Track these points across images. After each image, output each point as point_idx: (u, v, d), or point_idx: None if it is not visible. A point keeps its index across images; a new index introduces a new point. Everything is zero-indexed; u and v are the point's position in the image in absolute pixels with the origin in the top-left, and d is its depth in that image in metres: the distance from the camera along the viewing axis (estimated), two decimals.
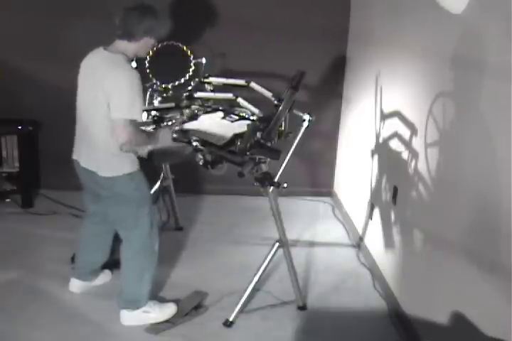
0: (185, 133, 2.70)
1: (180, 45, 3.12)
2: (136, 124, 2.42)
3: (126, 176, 2.52)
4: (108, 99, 2.35)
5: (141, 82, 2.40)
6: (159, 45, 3.05)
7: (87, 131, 2.52)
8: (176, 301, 2.83)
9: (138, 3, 2.46)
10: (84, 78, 2.52)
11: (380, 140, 3.29)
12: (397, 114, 2.98)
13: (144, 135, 2.52)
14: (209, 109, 2.96)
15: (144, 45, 2.49)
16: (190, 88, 3.04)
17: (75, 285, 2.95)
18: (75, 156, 2.66)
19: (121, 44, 2.46)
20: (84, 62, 2.54)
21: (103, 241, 2.92)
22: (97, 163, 2.51)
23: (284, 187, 2.57)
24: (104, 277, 3.06)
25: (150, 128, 2.67)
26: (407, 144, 2.80)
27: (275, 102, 2.72)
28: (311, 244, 3.69)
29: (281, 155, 2.57)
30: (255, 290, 2.88)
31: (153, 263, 2.71)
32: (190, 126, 2.84)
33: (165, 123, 2.84)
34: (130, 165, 2.53)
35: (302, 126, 2.69)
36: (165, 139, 2.57)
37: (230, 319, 2.72)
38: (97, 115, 2.42)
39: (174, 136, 2.58)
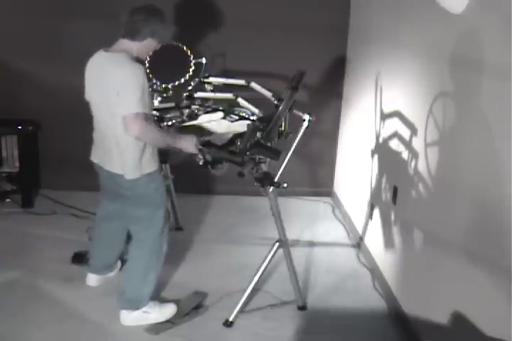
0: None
1: (180, 45, 3.12)
2: (148, 118, 2.42)
3: (146, 176, 2.53)
4: (117, 96, 2.36)
5: (146, 76, 2.41)
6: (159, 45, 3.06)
7: (105, 132, 2.52)
8: (176, 301, 2.83)
9: (146, 4, 2.48)
10: (93, 81, 2.52)
11: (380, 140, 3.29)
12: (397, 113, 2.98)
13: (160, 131, 2.53)
14: (209, 109, 2.96)
15: (145, 46, 2.51)
16: (190, 88, 3.04)
17: (92, 279, 3.01)
18: (94, 159, 2.68)
19: (124, 43, 2.48)
20: (89, 65, 2.55)
21: (117, 239, 2.97)
22: (120, 166, 2.51)
23: (284, 187, 2.57)
24: (117, 267, 3.13)
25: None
26: (407, 144, 2.80)
27: (275, 102, 2.72)
28: (311, 244, 3.69)
29: (281, 155, 2.58)
30: (255, 290, 2.88)
31: (159, 264, 2.73)
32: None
33: (165, 124, 2.84)
34: (151, 165, 2.54)
35: (302, 126, 2.69)
36: (188, 145, 2.56)
37: (230, 319, 2.72)
38: (114, 116, 2.41)
39: (200, 147, 2.57)
